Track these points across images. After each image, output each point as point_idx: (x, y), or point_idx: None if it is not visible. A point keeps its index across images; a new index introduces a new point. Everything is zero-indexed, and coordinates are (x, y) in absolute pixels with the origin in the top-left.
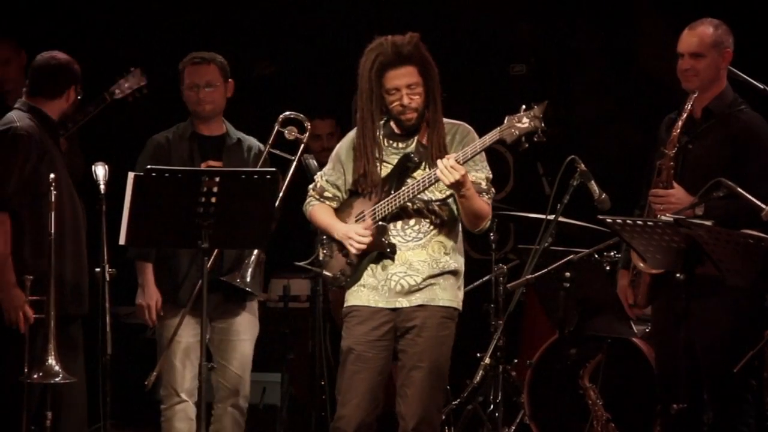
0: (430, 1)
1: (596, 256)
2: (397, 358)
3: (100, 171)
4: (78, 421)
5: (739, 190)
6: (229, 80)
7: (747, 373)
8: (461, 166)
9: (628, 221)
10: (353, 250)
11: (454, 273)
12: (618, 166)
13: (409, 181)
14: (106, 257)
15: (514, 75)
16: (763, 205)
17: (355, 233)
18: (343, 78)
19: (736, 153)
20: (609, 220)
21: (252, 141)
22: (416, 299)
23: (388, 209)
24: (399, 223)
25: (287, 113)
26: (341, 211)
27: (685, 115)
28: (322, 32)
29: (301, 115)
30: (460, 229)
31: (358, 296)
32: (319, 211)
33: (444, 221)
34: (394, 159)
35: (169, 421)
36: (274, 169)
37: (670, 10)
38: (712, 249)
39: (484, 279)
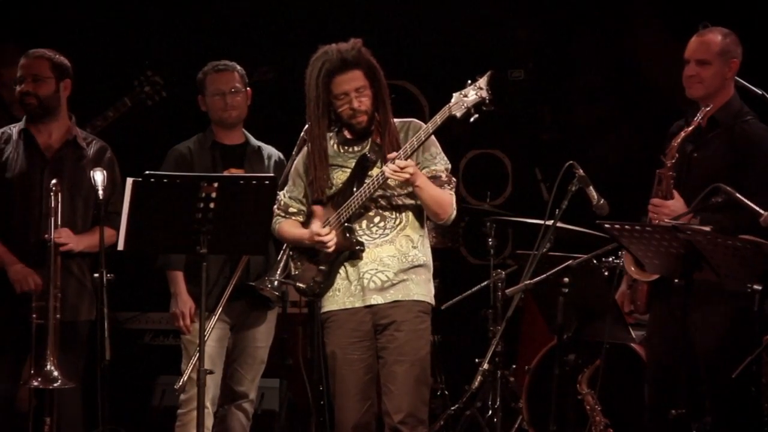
0: (428, 6)
1: (595, 261)
2: (379, 356)
3: (99, 177)
4: (74, 424)
5: (738, 195)
6: (248, 88)
7: (746, 379)
8: (406, 161)
9: (627, 227)
10: (328, 248)
11: (423, 266)
12: (616, 172)
13: (367, 180)
14: (104, 263)
15: (512, 80)
16: (761, 211)
17: (317, 233)
18: None
19: (738, 163)
20: (607, 226)
21: (271, 150)
22: (390, 296)
23: (350, 210)
24: (364, 222)
25: None
26: (308, 224)
27: (691, 128)
28: (321, 38)
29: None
30: (425, 221)
31: (333, 300)
32: (286, 226)
33: (408, 215)
34: (352, 163)
35: (184, 426)
36: (272, 174)
37: (669, 15)
38: (711, 254)
39: (482, 284)
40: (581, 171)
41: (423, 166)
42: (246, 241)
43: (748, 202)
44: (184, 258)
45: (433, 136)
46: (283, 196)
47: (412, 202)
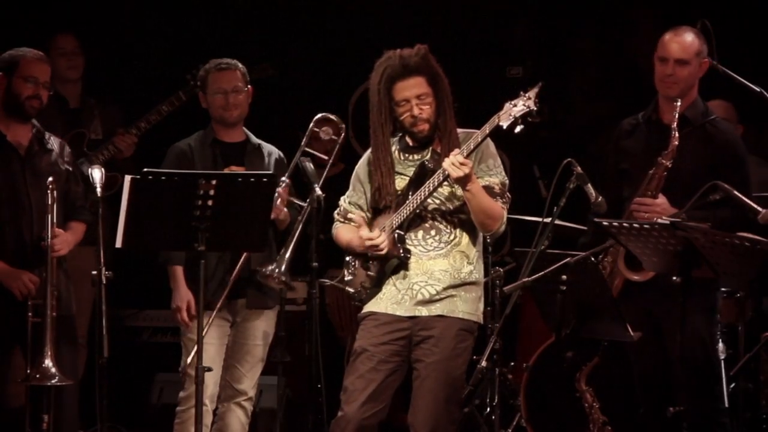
0: (427, 4)
1: (593, 259)
2: (413, 368)
3: (97, 174)
4: (70, 420)
5: (735, 192)
6: (249, 86)
7: (743, 376)
8: (466, 159)
9: (624, 224)
10: (374, 252)
11: (475, 284)
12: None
13: (422, 188)
14: (102, 260)
15: (510, 77)
16: (759, 208)
17: (367, 237)
18: (342, 82)
19: (716, 163)
20: (605, 223)
21: (271, 147)
22: (436, 309)
23: (403, 216)
24: (420, 233)
25: (324, 114)
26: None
27: (675, 124)
28: (321, 37)
29: (337, 118)
30: (481, 239)
31: (377, 303)
32: (341, 231)
33: (464, 230)
34: (412, 171)
35: (183, 424)
36: (271, 172)
37: (668, 13)
38: (709, 252)
39: None
40: (579, 168)
41: (477, 176)
42: (244, 238)
43: (746, 200)
44: (184, 254)
45: (494, 149)
46: (343, 201)
47: (468, 217)
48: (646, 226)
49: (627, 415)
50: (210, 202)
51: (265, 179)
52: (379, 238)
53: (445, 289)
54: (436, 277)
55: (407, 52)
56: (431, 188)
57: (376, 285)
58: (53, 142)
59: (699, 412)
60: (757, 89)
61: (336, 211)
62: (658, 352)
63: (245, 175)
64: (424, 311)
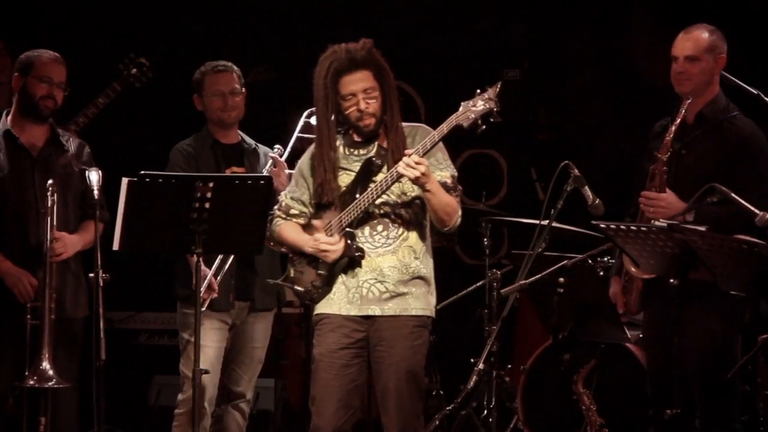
0: (424, 6)
1: (590, 261)
2: (373, 369)
3: (94, 176)
4: (68, 423)
5: (733, 195)
6: (244, 89)
7: (740, 379)
8: (421, 158)
9: (622, 226)
10: (327, 259)
11: (424, 278)
12: (612, 172)
13: (371, 185)
14: (99, 262)
15: (507, 80)
16: (757, 211)
17: (324, 242)
18: None
19: (729, 160)
20: (603, 226)
21: (266, 149)
22: (389, 309)
23: (353, 215)
24: (367, 229)
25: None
26: (309, 226)
27: (678, 120)
28: (318, 37)
29: None
30: (428, 232)
31: (328, 304)
32: (287, 229)
33: (412, 225)
34: (357, 166)
35: (181, 426)
36: (268, 175)
37: (664, 14)
38: (706, 254)
39: (477, 284)
40: (576, 171)
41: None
42: (241, 240)
43: (743, 202)
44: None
45: (441, 143)
46: (284, 197)
47: (415, 212)
48: (643, 228)
49: (624, 418)
50: (207, 205)
51: (262, 181)
52: (336, 246)
53: (395, 285)
54: (385, 273)
55: (353, 46)
56: (384, 187)
57: (327, 284)
58: (71, 143)
59: (710, 418)
60: (755, 92)
61: (276, 207)
62: (676, 354)
63: (242, 177)
64: (377, 310)
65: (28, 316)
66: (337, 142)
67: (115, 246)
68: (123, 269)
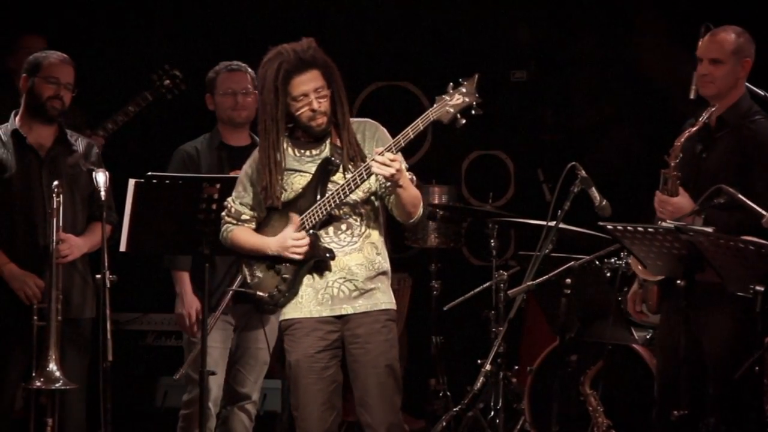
0: (430, 7)
1: (597, 262)
2: (349, 368)
3: (101, 177)
4: (76, 425)
5: (740, 196)
6: (256, 91)
7: (748, 380)
8: (394, 155)
9: (629, 228)
10: (297, 257)
11: (386, 273)
12: (619, 173)
13: (330, 185)
14: (106, 264)
15: (514, 81)
16: (764, 212)
17: (291, 240)
18: (344, 83)
19: (743, 161)
20: (610, 227)
21: None
22: (360, 306)
23: (317, 217)
24: (330, 230)
25: None
26: (261, 230)
27: (696, 128)
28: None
29: None
30: (383, 227)
31: (297, 308)
32: (242, 234)
33: (372, 221)
34: (311, 167)
35: (187, 427)
36: None
37: (671, 16)
38: (713, 256)
39: (484, 286)
40: (584, 172)
41: None
42: None
43: (751, 204)
44: (190, 258)
45: (387, 133)
46: (232, 202)
47: (373, 208)
48: (650, 229)
49: (631, 419)
50: (214, 206)
51: None
52: (304, 240)
53: (363, 282)
54: (354, 271)
55: (299, 46)
56: (353, 187)
57: (293, 287)
58: (80, 144)
59: (728, 420)
60: (762, 93)
61: (224, 213)
62: (684, 355)
63: None
64: (349, 309)
65: (35, 318)
66: (285, 145)
67: (122, 247)
68: (130, 270)
